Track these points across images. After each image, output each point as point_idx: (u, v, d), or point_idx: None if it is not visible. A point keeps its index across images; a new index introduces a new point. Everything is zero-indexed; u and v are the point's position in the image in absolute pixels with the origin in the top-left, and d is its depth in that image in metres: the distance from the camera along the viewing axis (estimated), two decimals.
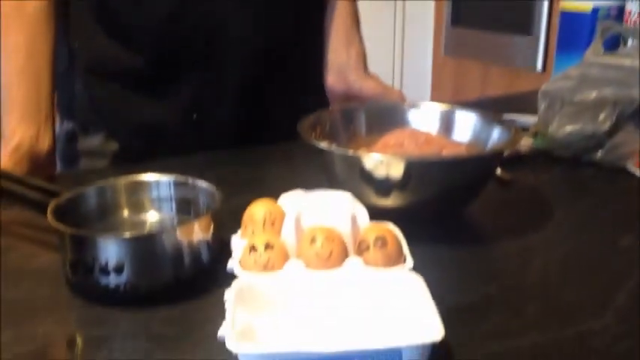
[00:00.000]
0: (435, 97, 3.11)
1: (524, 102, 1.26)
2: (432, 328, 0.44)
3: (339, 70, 0.96)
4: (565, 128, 0.86)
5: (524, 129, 0.85)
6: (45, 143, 0.78)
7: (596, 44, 0.97)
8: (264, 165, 0.88)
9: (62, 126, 0.92)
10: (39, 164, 0.78)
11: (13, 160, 0.75)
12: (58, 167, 0.89)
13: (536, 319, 0.52)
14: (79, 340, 0.49)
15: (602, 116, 0.85)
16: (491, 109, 0.77)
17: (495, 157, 0.68)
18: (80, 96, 0.90)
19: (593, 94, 0.85)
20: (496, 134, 0.71)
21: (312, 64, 0.97)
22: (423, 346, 0.43)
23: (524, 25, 2.62)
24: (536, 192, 0.79)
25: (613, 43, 1.03)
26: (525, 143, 0.87)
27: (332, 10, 0.97)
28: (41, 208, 0.57)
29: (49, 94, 0.79)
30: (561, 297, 0.55)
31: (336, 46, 0.96)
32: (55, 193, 0.60)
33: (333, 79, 0.96)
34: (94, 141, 0.90)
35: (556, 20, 2.43)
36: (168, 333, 0.49)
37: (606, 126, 0.84)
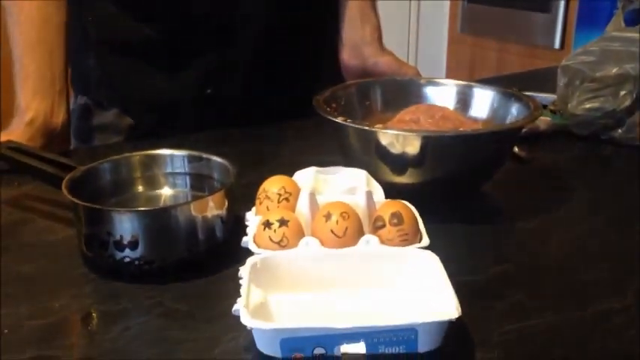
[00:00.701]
0: (451, 75, 3.07)
1: (542, 79, 1.24)
2: (448, 307, 0.43)
3: (354, 46, 0.95)
4: (584, 105, 0.84)
5: (544, 106, 0.84)
6: (59, 117, 0.78)
7: (617, 18, 0.94)
8: (279, 141, 0.87)
9: (76, 101, 0.92)
10: (53, 138, 0.78)
11: (27, 133, 0.75)
12: (72, 143, 0.89)
13: (553, 298, 0.51)
14: (94, 315, 0.49)
15: (622, 93, 0.83)
16: (508, 86, 0.76)
17: (514, 134, 0.67)
18: (94, 71, 0.89)
19: (613, 70, 0.84)
20: (515, 110, 0.70)
21: (326, 39, 0.96)
22: (439, 325, 0.43)
23: (542, 1, 2.57)
24: (555, 170, 0.78)
25: (634, 18, 1.00)
26: (544, 120, 0.86)
27: None
28: (56, 182, 0.57)
29: (63, 68, 0.79)
30: (579, 276, 0.54)
31: (351, 22, 0.95)
32: (69, 167, 0.60)
33: (347, 55, 0.95)
34: (108, 116, 0.90)
35: None
36: (182, 308, 0.49)
37: (627, 103, 0.83)
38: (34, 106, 0.76)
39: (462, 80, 0.78)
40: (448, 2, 3.01)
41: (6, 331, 0.46)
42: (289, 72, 0.92)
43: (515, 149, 0.77)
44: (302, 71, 0.93)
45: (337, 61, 0.96)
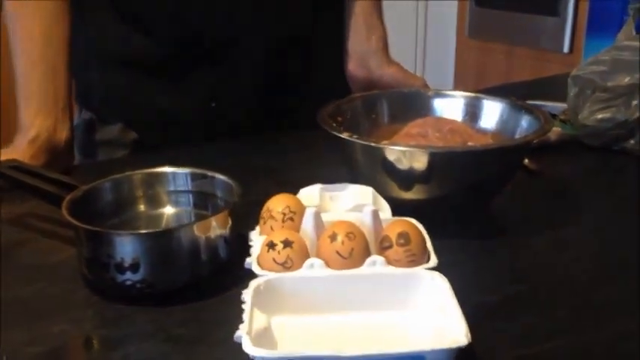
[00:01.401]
0: (459, 80, 3.06)
1: (552, 87, 1.22)
2: (457, 332, 0.42)
3: (360, 57, 0.93)
4: (596, 115, 0.83)
5: (553, 116, 0.82)
6: (63, 134, 0.77)
7: (628, 27, 0.93)
8: (284, 154, 0.86)
9: (80, 116, 0.91)
10: (56, 155, 0.77)
11: (30, 151, 0.74)
12: (77, 158, 0.88)
13: (568, 319, 0.49)
14: (94, 341, 0.48)
15: (634, 103, 0.81)
16: (517, 94, 0.74)
17: (524, 148, 0.65)
18: (97, 86, 0.88)
19: (625, 80, 0.82)
20: (525, 122, 0.69)
21: (333, 52, 0.95)
22: (448, 351, 0.41)
23: (551, 5, 2.56)
24: (566, 182, 0.76)
25: None
26: (554, 131, 0.84)
27: None
28: (57, 202, 0.56)
29: (66, 84, 0.78)
30: (595, 295, 0.53)
31: (356, 32, 0.94)
32: (71, 186, 0.59)
33: (353, 66, 0.94)
34: (112, 131, 0.89)
35: (584, 1, 2.37)
36: (185, 334, 0.48)
37: (639, 113, 0.81)
38: (38, 123, 0.75)
39: (469, 86, 0.77)
40: (456, 6, 3.00)
41: (5, 357, 0.45)
42: (295, 86, 0.91)
43: (525, 161, 0.76)
44: (308, 84, 0.92)
45: (344, 73, 0.95)
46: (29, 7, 0.75)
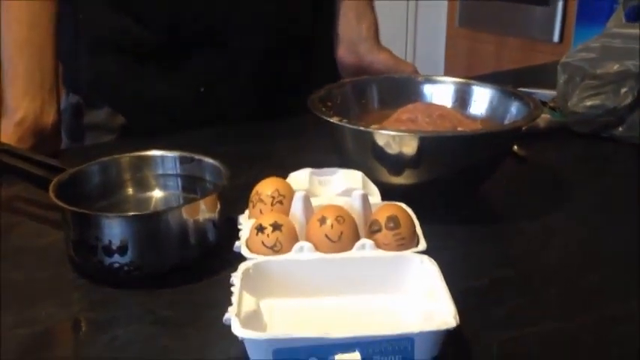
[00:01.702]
0: (449, 69, 3.06)
1: (542, 75, 1.23)
2: (445, 315, 0.42)
3: (350, 43, 0.93)
4: (585, 102, 0.83)
5: (543, 103, 0.82)
6: (49, 117, 0.76)
7: (618, 14, 0.93)
8: (273, 139, 0.86)
9: (68, 100, 0.90)
10: (44, 138, 0.76)
11: (17, 134, 0.74)
12: (64, 142, 0.87)
13: (555, 304, 0.50)
14: (82, 324, 0.48)
15: (623, 90, 0.81)
16: (507, 82, 0.74)
17: (513, 134, 0.65)
18: (85, 70, 0.87)
19: (614, 67, 0.82)
20: (514, 109, 0.69)
21: (324, 41, 0.94)
22: (436, 334, 0.41)
23: None
24: (555, 169, 0.77)
25: (635, 14, 0.99)
26: (543, 118, 0.84)
27: None
28: (44, 185, 0.56)
29: (53, 67, 0.77)
30: (582, 280, 0.53)
31: (347, 18, 0.93)
32: (58, 169, 0.58)
33: (343, 52, 0.94)
34: (99, 115, 0.88)
35: None
36: (173, 316, 0.48)
37: (628, 100, 0.81)
38: (24, 105, 0.74)
39: (460, 77, 0.77)
40: None
41: None
42: (286, 73, 0.91)
43: (514, 147, 0.76)
44: (300, 72, 0.91)
45: (333, 59, 0.94)
46: None
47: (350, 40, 0.93)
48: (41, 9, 0.75)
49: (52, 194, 0.53)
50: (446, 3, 3.03)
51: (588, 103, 0.83)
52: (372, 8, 0.96)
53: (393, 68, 0.90)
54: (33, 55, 0.75)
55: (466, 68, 2.96)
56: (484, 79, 0.93)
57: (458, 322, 0.41)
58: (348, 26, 0.93)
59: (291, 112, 0.80)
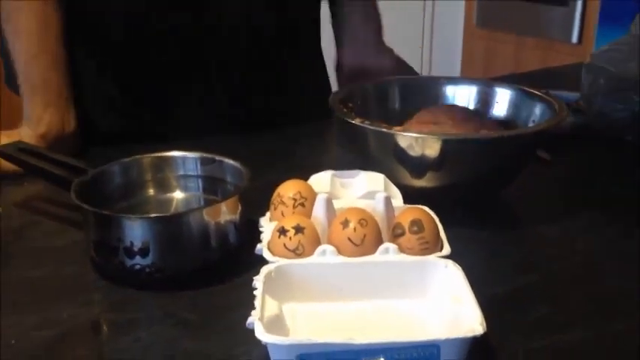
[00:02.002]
0: (466, 70, 3.04)
1: (563, 76, 1.21)
2: (472, 321, 0.41)
3: (355, 46, 0.93)
4: (609, 105, 0.82)
5: (566, 105, 0.81)
6: (70, 126, 0.76)
7: None
8: (294, 141, 0.85)
9: None
10: (65, 146, 0.76)
11: (41, 145, 0.73)
12: None
13: (582, 310, 0.49)
14: (103, 325, 0.47)
15: None
16: (527, 83, 0.73)
17: (538, 137, 0.64)
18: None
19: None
20: (538, 110, 0.68)
21: (311, 50, 0.94)
22: (463, 341, 0.40)
23: None
24: (579, 173, 0.76)
25: None
26: (566, 120, 0.83)
27: None
28: (66, 185, 0.56)
29: (67, 77, 0.76)
30: (609, 287, 0.52)
31: (353, 21, 0.93)
32: (80, 170, 0.58)
33: (348, 54, 0.93)
34: None
35: None
36: (194, 319, 0.47)
37: None
38: (47, 118, 0.74)
39: (477, 76, 0.76)
40: None
41: (13, 341, 0.45)
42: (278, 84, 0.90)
43: (538, 151, 0.75)
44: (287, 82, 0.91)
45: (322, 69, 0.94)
46: (24, 4, 0.73)
47: (356, 43, 0.92)
48: (50, 17, 0.75)
49: (73, 195, 0.53)
50: (463, 3, 3.01)
51: (613, 105, 0.81)
52: (377, 8, 0.95)
53: (395, 70, 0.90)
54: (48, 66, 0.75)
55: (483, 69, 2.93)
56: (504, 80, 0.92)
57: (485, 328, 0.40)
58: (355, 29, 0.93)
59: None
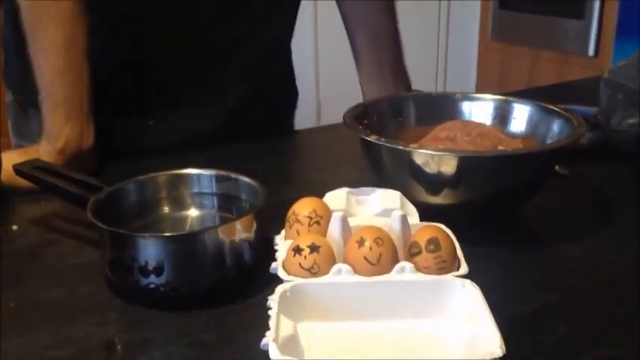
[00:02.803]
0: (481, 84, 3.03)
1: (580, 90, 1.20)
2: (490, 343, 0.40)
3: (369, 85, 0.95)
4: (628, 120, 0.81)
5: (584, 120, 0.80)
6: (89, 141, 0.77)
7: None
8: (308, 157, 0.85)
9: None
10: (83, 161, 0.76)
11: (59, 161, 0.73)
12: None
13: (604, 331, 0.48)
14: (117, 345, 0.47)
15: None
16: (543, 98, 0.72)
17: (557, 153, 0.63)
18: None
19: None
20: (556, 126, 0.67)
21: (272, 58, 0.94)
22: None
23: (576, 8, 2.52)
24: (598, 189, 0.74)
25: None
26: (585, 136, 0.82)
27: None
28: (82, 203, 0.56)
29: (89, 91, 0.77)
30: (630, 306, 0.51)
31: (383, 82, 0.94)
32: (95, 187, 0.59)
33: (366, 93, 0.95)
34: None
35: (610, 3, 2.33)
36: (209, 339, 0.47)
37: None
38: (66, 133, 0.74)
39: (492, 90, 0.75)
40: (479, 8, 2.97)
41: None
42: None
43: (556, 166, 0.74)
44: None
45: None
46: (48, 13, 0.74)
47: (370, 81, 0.94)
48: (76, 32, 0.75)
49: (89, 213, 0.53)
50: (478, 16, 3.00)
51: (631, 120, 0.80)
52: (405, 68, 0.96)
53: None
54: (72, 81, 0.75)
55: (499, 82, 2.92)
56: (521, 94, 0.91)
57: (504, 350, 0.39)
58: (384, 89, 0.93)
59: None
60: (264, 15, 0.87)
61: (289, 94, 1.01)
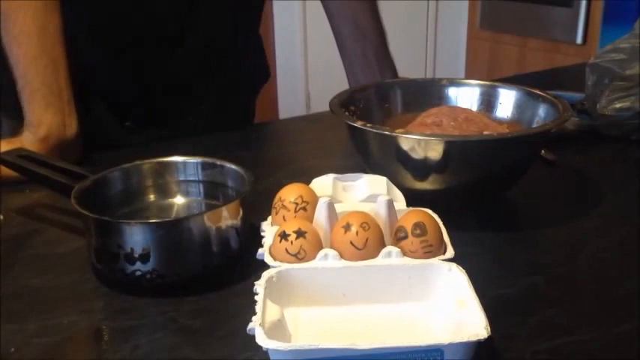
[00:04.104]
0: (470, 72, 3.03)
1: (566, 77, 1.21)
2: (476, 325, 0.41)
3: (354, 73, 0.95)
4: (614, 105, 0.81)
5: (571, 105, 0.81)
6: (72, 129, 0.76)
7: None
8: (295, 145, 0.85)
9: None
10: (67, 150, 0.76)
11: (42, 150, 0.73)
12: None
13: (589, 313, 0.48)
14: (104, 332, 0.47)
15: None
16: (531, 84, 0.72)
17: (542, 137, 0.63)
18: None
19: None
20: (542, 111, 0.67)
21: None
22: (467, 345, 0.40)
23: None
24: (584, 173, 0.75)
25: None
26: (571, 121, 0.82)
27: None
28: (67, 191, 0.55)
29: (68, 79, 0.76)
30: (615, 289, 0.51)
31: (369, 70, 0.94)
32: (80, 176, 0.58)
33: (350, 81, 0.95)
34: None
35: None
36: (196, 325, 0.47)
37: None
38: (47, 121, 0.73)
39: (484, 79, 0.75)
40: None
41: (13, 349, 0.44)
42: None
43: (542, 151, 0.74)
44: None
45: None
46: (21, 5, 0.73)
47: (354, 68, 0.94)
48: (47, 20, 0.74)
49: (73, 201, 0.53)
50: (467, 4, 3.01)
51: (617, 105, 0.81)
52: (390, 55, 0.96)
53: None
54: (47, 67, 0.74)
55: (487, 70, 2.93)
56: (508, 81, 0.91)
57: (489, 332, 0.40)
58: (370, 75, 0.93)
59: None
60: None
61: (259, 72, 1.01)
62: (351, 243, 0.48)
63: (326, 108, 0.67)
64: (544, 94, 0.68)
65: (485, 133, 0.65)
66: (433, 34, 3.12)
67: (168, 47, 0.86)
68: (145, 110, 0.88)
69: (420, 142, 0.59)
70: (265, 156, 0.79)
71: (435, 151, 0.58)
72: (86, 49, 0.83)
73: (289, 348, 0.39)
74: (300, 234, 0.49)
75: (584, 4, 2.46)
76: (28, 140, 0.73)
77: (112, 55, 0.84)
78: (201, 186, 0.61)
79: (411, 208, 0.53)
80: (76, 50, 0.78)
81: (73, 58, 0.76)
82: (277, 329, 0.43)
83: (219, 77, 0.91)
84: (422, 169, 0.60)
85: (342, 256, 0.48)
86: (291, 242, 0.48)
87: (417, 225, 0.49)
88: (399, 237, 0.49)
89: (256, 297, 0.44)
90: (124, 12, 0.82)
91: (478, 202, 0.64)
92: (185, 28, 0.86)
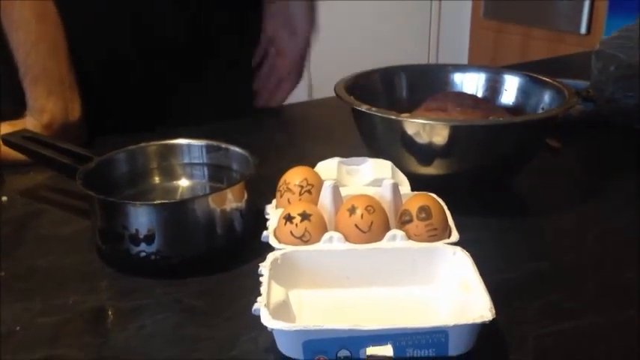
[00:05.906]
0: (473, 61, 3.02)
1: (571, 65, 1.20)
2: (480, 308, 0.41)
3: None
4: (619, 92, 0.81)
5: (576, 93, 0.80)
6: (75, 114, 0.76)
7: None
8: (300, 129, 0.85)
9: None
10: (70, 134, 0.76)
11: (47, 135, 0.73)
12: None
13: (592, 298, 0.48)
14: (109, 312, 0.47)
15: None
16: (535, 72, 0.72)
17: (548, 123, 0.63)
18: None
19: None
20: (547, 98, 0.67)
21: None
22: (471, 327, 0.40)
23: None
24: (589, 160, 0.75)
25: None
26: (576, 108, 0.82)
27: None
28: (71, 173, 0.56)
29: (69, 64, 0.76)
30: (620, 274, 0.51)
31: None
32: (85, 158, 0.58)
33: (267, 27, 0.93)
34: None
35: None
36: (200, 305, 0.47)
37: None
38: (50, 107, 0.73)
39: (489, 65, 0.75)
40: None
41: (18, 328, 0.45)
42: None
43: (547, 139, 0.74)
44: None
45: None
46: None
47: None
48: (46, 6, 0.74)
49: (79, 182, 0.53)
50: None
51: (623, 92, 0.80)
52: None
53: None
54: (48, 52, 0.74)
55: (491, 60, 2.92)
56: (512, 68, 0.91)
57: (493, 314, 0.40)
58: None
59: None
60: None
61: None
62: (356, 226, 0.48)
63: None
64: (550, 80, 0.68)
65: (490, 118, 0.64)
66: (437, 23, 3.10)
67: (177, 37, 0.85)
68: (149, 96, 0.88)
69: (425, 127, 0.58)
70: (270, 140, 0.79)
71: (440, 136, 0.58)
72: (88, 38, 0.82)
73: (294, 328, 0.40)
74: (305, 217, 0.49)
75: None
76: (32, 125, 0.73)
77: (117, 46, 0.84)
78: (205, 169, 0.61)
79: (416, 192, 0.53)
80: (80, 39, 0.77)
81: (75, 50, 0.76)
82: (282, 310, 0.43)
83: (226, 64, 0.91)
84: (427, 153, 0.60)
85: (346, 238, 0.48)
86: (296, 225, 0.48)
87: (422, 209, 0.49)
88: (404, 220, 0.49)
89: (261, 278, 0.44)
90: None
91: (483, 188, 0.63)
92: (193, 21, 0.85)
